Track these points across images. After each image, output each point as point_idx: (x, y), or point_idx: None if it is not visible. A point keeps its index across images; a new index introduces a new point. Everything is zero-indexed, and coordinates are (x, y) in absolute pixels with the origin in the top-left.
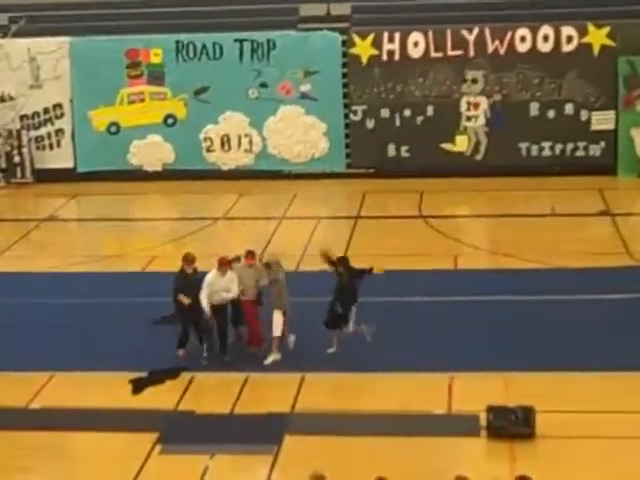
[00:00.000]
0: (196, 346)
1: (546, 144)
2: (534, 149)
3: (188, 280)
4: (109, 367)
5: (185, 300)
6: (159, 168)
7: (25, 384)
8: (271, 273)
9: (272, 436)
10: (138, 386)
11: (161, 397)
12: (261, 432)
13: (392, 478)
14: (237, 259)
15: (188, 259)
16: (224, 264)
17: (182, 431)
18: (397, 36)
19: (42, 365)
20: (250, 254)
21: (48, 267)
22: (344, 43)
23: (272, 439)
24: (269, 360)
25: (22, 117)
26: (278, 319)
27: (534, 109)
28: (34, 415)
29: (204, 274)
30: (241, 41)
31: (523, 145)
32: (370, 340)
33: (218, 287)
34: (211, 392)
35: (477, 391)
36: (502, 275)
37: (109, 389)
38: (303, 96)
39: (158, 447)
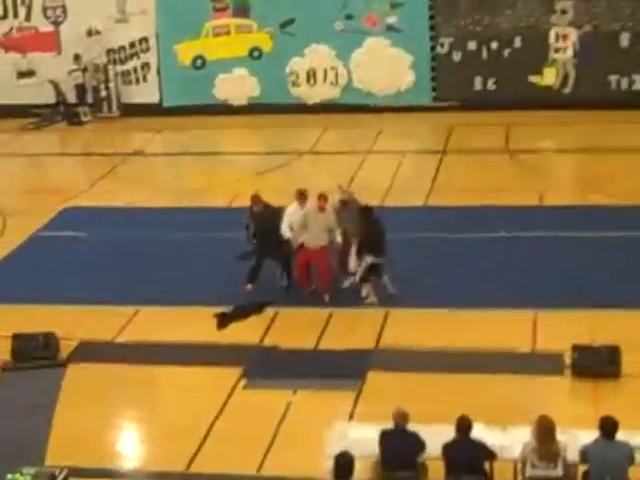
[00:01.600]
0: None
1: (637, 77)
2: (624, 82)
3: (259, 217)
4: (194, 302)
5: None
6: (244, 102)
7: (111, 318)
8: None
9: (356, 372)
10: (222, 321)
11: (245, 332)
12: (345, 368)
13: (475, 416)
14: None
15: (254, 199)
16: (301, 196)
17: (266, 366)
18: None
19: (127, 299)
20: (322, 197)
21: (134, 201)
22: None
23: (356, 375)
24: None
25: (108, 51)
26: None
27: (625, 40)
28: (120, 349)
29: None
30: None
31: (613, 78)
32: (392, 292)
33: (294, 220)
34: (295, 328)
35: (562, 330)
36: (590, 212)
37: (193, 324)
38: (389, 28)
39: (242, 382)
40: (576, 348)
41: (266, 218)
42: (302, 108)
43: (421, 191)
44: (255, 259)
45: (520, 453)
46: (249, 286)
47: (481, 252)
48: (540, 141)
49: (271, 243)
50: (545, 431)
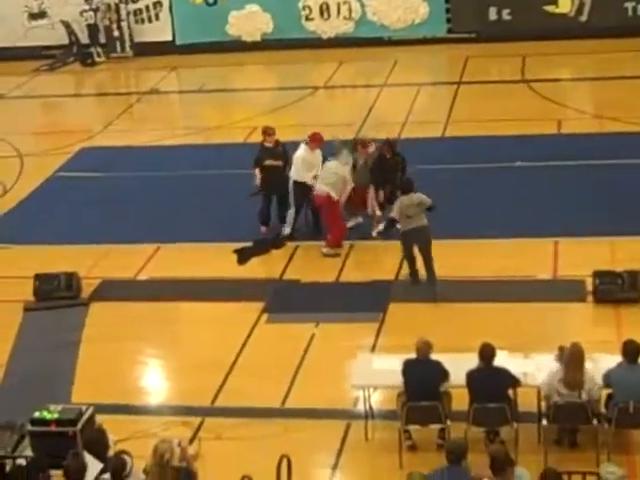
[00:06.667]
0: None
1: None
2: None
3: (270, 153)
4: (213, 238)
5: (257, 174)
6: (258, 38)
7: (132, 256)
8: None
9: (377, 304)
10: (243, 256)
11: (266, 267)
12: (366, 300)
13: (498, 344)
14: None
15: (267, 132)
16: (315, 140)
17: (288, 300)
18: None
19: (148, 237)
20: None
21: (151, 140)
22: None
23: (377, 307)
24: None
25: None
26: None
27: None
28: (142, 286)
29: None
30: None
31: (629, 5)
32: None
33: (307, 163)
34: (316, 261)
35: (583, 256)
36: (608, 139)
37: (214, 260)
38: None
39: (264, 316)
40: (597, 274)
41: (277, 154)
42: (316, 42)
43: (438, 123)
44: (262, 198)
45: (546, 384)
46: (263, 228)
47: (500, 182)
48: (556, 70)
49: (277, 181)
50: (576, 358)
